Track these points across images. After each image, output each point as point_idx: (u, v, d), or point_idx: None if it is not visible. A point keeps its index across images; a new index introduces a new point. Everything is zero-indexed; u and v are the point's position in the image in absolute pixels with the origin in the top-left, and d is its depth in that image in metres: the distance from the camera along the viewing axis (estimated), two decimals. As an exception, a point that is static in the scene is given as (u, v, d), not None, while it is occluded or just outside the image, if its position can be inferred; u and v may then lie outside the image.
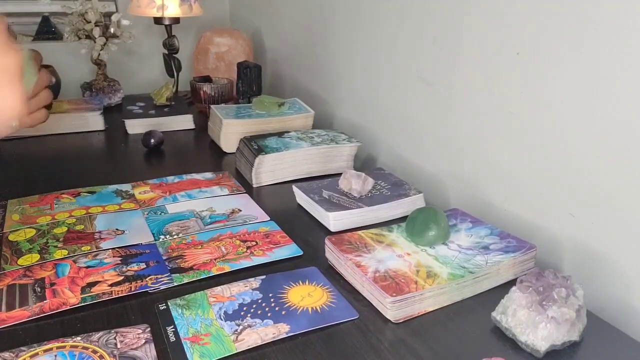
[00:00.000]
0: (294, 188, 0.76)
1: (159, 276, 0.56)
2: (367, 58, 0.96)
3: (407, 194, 0.73)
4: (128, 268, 0.58)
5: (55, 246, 0.61)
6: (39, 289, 0.54)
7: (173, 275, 0.57)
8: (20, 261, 0.58)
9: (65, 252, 0.60)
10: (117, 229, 0.66)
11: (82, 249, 0.61)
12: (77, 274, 0.56)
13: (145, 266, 0.58)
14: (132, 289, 0.54)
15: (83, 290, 0.53)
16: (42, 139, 1.01)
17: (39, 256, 0.59)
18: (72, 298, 0.52)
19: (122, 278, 0.56)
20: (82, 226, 0.66)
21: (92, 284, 0.54)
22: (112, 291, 0.53)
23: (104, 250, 0.61)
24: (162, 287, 0.55)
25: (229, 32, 1.33)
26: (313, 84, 1.18)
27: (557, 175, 0.62)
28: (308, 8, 1.16)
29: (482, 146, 0.73)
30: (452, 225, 0.64)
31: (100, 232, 0.65)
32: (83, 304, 0.51)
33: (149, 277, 0.56)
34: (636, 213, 0.54)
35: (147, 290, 0.54)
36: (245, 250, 0.63)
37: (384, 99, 0.93)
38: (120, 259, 0.59)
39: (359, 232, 0.63)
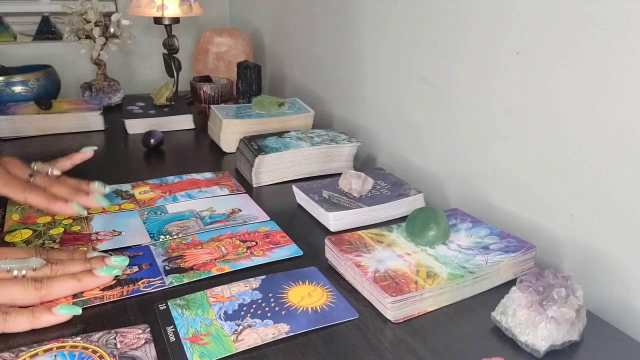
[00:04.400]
0: (294, 188, 0.76)
1: (152, 279, 0.56)
2: (368, 58, 0.96)
3: (407, 194, 0.73)
4: None
5: (52, 247, 0.61)
6: None
7: (172, 275, 0.57)
8: None
9: None
10: (114, 230, 0.66)
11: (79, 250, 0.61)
12: None
13: (138, 269, 0.58)
14: (124, 293, 0.54)
15: (75, 294, 0.53)
16: (42, 139, 1.01)
17: None
18: (63, 302, 0.52)
19: (114, 282, 0.55)
20: (79, 227, 0.66)
21: None
22: (103, 295, 0.53)
23: (99, 252, 0.61)
24: (154, 291, 0.54)
25: (229, 32, 1.33)
26: (313, 84, 1.18)
27: (557, 175, 0.62)
28: (308, 8, 1.16)
29: (482, 146, 0.73)
30: (452, 225, 0.64)
31: (97, 233, 0.65)
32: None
33: (141, 281, 0.56)
34: (636, 213, 0.54)
35: (139, 294, 0.54)
36: (245, 250, 0.63)
37: (384, 99, 0.93)
38: None
39: (359, 232, 0.63)
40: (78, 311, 0.49)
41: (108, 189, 0.70)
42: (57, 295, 0.51)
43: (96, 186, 0.69)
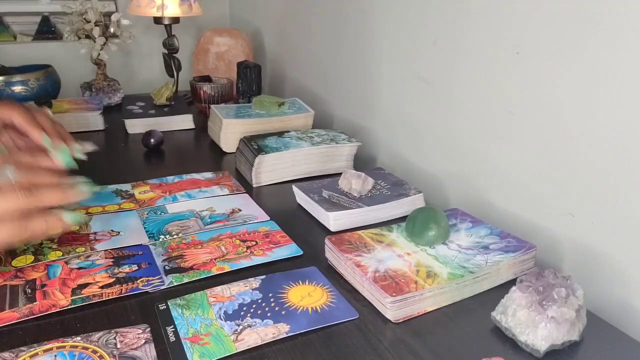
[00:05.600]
0: (294, 188, 0.76)
1: (150, 278, 0.56)
2: (368, 58, 0.96)
3: (407, 193, 0.73)
4: (120, 270, 0.57)
5: (50, 247, 0.61)
6: (29, 290, 0.53)
7: (172, 275, 0.57)
8: (15, 262, 0.58)
9: (59, 253, 0.60)
10: (112, 230, 0.66)
11: (77, 250, 0.61)
12: (68, 275, 0.56)
13: (137, 268, 0.58)
14: (123, 291, 0.54)
15: (74, 292, 0.53)
16: (42, 139, 1.01)
17: (33, 257, 0.59)
18: (62, 300, 0.52)
19: (113, 280, 0.55)
20: (77, 227, 0.66)
21: (82, 286, 0.54)
22: (102, 293, 0.53)
23: (97, 251, 0.61)
24: (152, 290, 0.55)
25: (229, 32, 1.33)
26: (313, 84, 1.18)
27: (557, 175, 0.62)
28: (308, 8, 1.16)
29: (482, 146, 0.73)
30: (452, 225, 0.64)
31: (95, 233, 0.65)
32: (73, 306, 0.51)
33: (140, 280, 0.56)
34: (636, 213, 0.54)
35: (138, 292, 0.54)
36: (245, 250, 0.63)
37: (384, 99, 0.93)
38: (112, 260, 0.59)
39: (359, 232, 0.63)
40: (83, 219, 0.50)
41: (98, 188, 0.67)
42: (46, 199, 0.50)
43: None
